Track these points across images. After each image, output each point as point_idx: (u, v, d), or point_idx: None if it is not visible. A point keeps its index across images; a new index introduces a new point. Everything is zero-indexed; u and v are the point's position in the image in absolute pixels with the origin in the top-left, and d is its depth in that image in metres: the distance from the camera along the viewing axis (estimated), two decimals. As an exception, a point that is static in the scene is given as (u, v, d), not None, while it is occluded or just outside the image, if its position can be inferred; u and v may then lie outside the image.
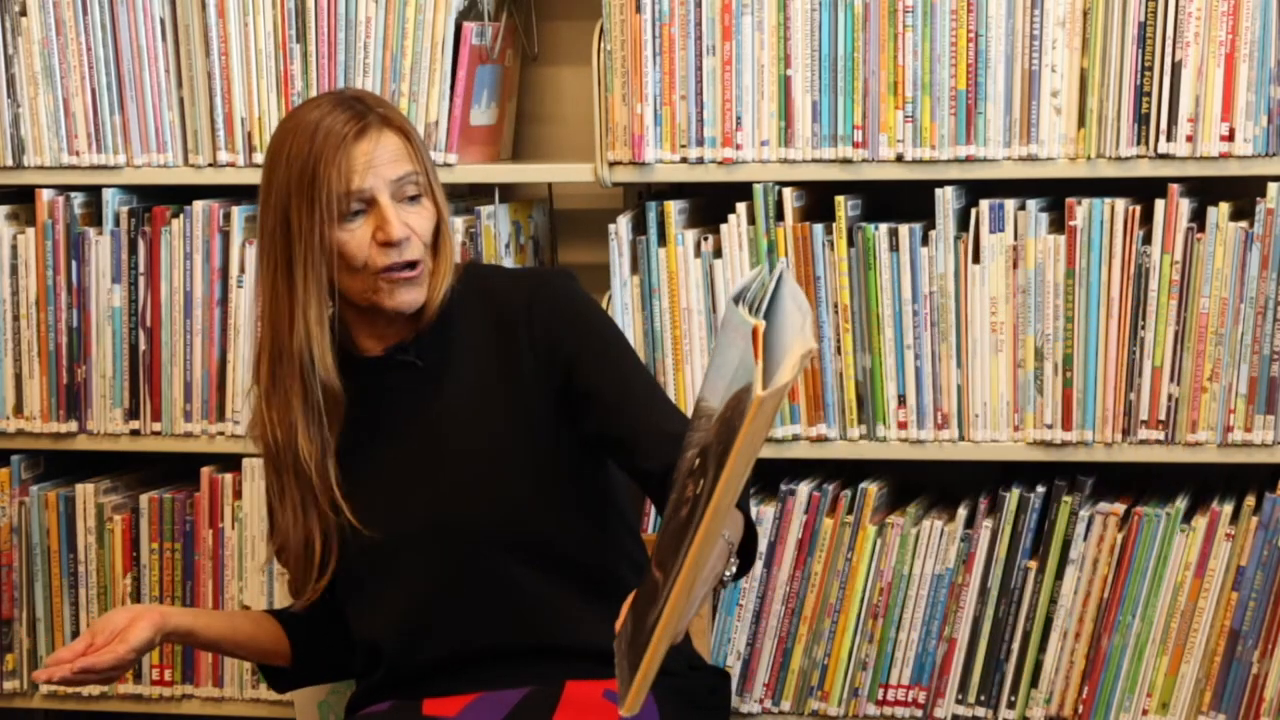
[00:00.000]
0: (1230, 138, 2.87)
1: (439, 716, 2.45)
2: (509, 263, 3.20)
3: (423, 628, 2.52)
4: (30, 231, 3.23)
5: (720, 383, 1.89)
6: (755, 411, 1.67)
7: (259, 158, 3.15)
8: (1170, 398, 2.92)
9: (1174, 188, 2.90)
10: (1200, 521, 2.94)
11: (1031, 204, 2.95)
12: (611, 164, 3.07)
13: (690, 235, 3.05)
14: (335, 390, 2.49)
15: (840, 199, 2.99)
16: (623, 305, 3.05)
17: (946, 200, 2.96)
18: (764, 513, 3.05)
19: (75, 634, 3.26)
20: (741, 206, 3.03)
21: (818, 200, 3.07)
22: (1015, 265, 2.95)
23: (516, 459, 2.51)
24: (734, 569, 2.24)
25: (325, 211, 2.43)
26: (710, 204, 3.15)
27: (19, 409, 3.26)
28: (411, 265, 2.47)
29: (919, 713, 3.05)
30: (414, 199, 2.48)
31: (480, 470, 2.51)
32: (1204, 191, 2.98)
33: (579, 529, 2.54)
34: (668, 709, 2.50)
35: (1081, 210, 2.92)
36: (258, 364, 2.54)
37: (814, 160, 3.01)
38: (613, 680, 2.46)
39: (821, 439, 3.01)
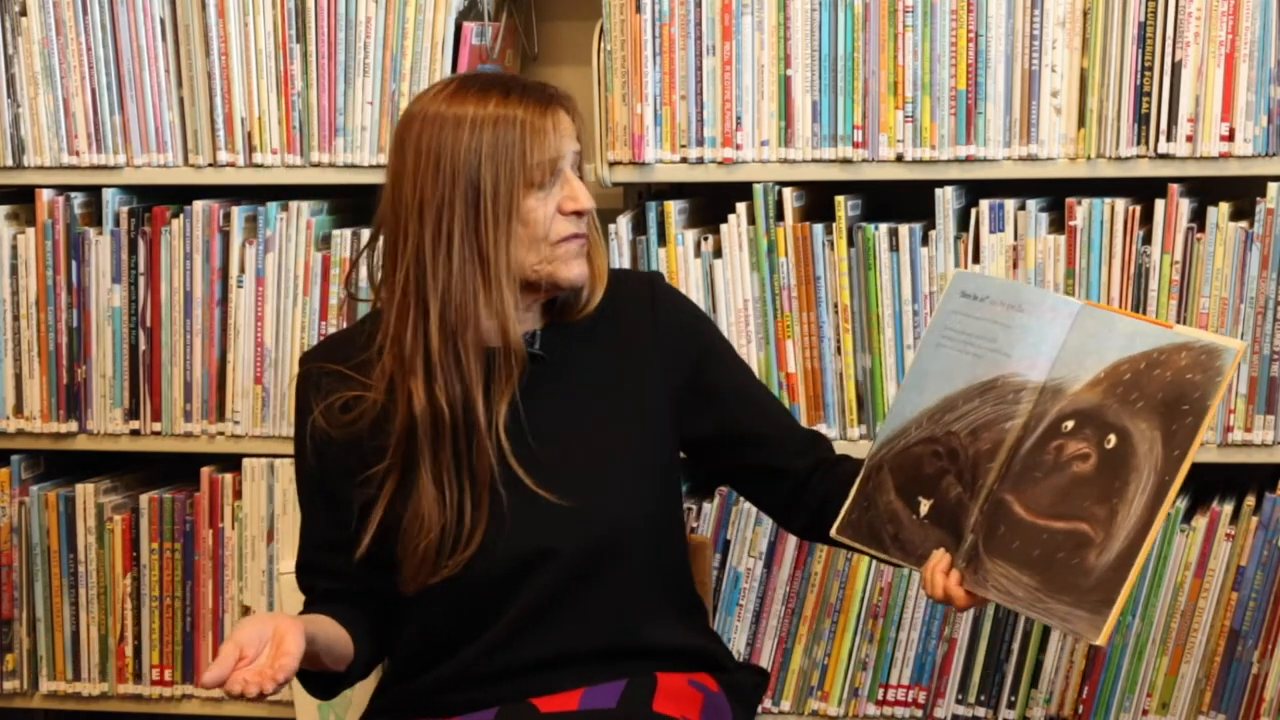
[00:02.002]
0: (1230, 138, 2.87)
1: (561, 713, 2.44)
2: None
3: (530, 626, 2.47)
4: (30, 231, 3.23)
5: (1040, 358, 2.27)
6: (1235, 365, 2.17)
7: (259, 157, 3.15)
8: (1170, 398, 2.92)
9: (1174, 188, 2.90)
10: (1200, 521, 2.94)
11: (1031, 204, 2.95)
12: (611, 164, 3.07)
13: (690, 235, 3.05)
14: (523, 356, 2.45)
15: (840, 199, 2.99)
16: (623, 305, 3.05)
17: (946, 200, 2.96)
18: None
19: (75, 634, 3.27)
20: (741, 206, 3.03)
21: (818, 200, 3.07)
22: (1015, 265, 2.95)
23: (635, 458, 2.50)
24: None
25: (524, 177, 2.41)
26: (710, 204, 3.15)
27: (19, 409, 3.26)
28: (577, 237, 2.46)
29: (919, 713, 3.05)
30: (581, 179, 2.48)
31: (606, 468, 2.49)
32: (1204, 191, 2.98)
33: (670, 529, 2.56)
34: (733, 704, 2.54)
35: (1081, 210, 2.92)
36: (412, 334, 2.43)
37: (814, 160, 3.01)
38: (695, 673, 2.50)
39: (821, 439, 3.01)
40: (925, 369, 2.38)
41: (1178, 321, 2.91)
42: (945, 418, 2.34)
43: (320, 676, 2.52)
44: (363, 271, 2.56)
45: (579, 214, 2.44)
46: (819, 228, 3.01)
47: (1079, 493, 2.22)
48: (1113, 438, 2.21)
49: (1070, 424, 2.24)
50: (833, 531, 2.41)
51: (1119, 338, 2.24)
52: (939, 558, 2.30)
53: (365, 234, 3.12)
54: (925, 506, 2.33)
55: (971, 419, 2.32)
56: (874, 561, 3.02)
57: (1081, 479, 2.22)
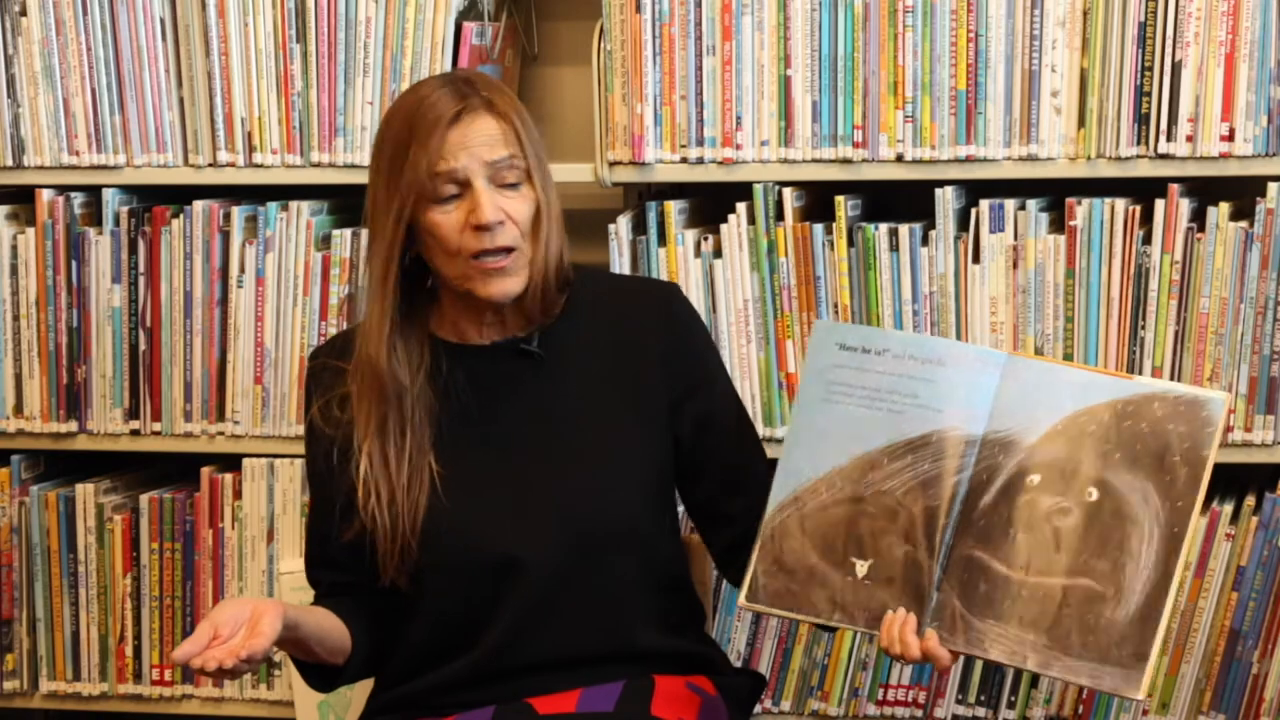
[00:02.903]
0: (1230, 138, 2.87)
1: (558, 714, 2.44)
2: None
3: (526, 626, 2.47)
4: (30, 231, 3.23)
5: (976, 410, 2.25)
6: (1226, 415, 2.21)
7: (259, 157, 3.15)
8: (1170, 398, 2.92)
9: (1174, 188, 2.90)
10: (1200, 521, 2.94)
11: (1031, 204, 2.95)
12: (611, 164, 3.07)
13: (690, 235, 3.05)
14: (395, 378, 2.47)
15: (840, 199, 2.99)
16: (623, 305, 3.05)
17: (946, 200, 2.96)
18: (764, 513, 3.04)
19: (75, 634, 3.27)
20: (741, 206, 3.03)
21: (818, 200, 3.07)
22: (1015, 265, 2.95)
23: (631, 460, 2.50)
24: None
25: (408, 192, 2.41)
26: (710, 204, 3.15)
27: (19, 409, 3.26)
28: (506, 251, 2.44)
29: (919, 713, 3.05)
30: (513, 185, 2.44)
31: (598, 472, 2.49)
32: (1204, 191, 2.98)
33: (663, 533, 2.56)
34: (730, 709, 2.54)
35: (1081, 210, 2.92)
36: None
37: (814, 160, 3.01)
38: (692, 676, 2.51)
39: (821, 439, 3.01)
40: (817, 426, 2.34)
41: (1177, 324, 2.91)
42: (869, 476, 2.32)
43: (317, 668, 2.53)
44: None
45: (483, 228, 2.41)
46: (819, 228, 3.01)
47: (1072, 548, 2.22)
48: (1093, 491, 2.22)
49: (1036, 478, 2.24)
50: (742, 599, 2.37)
51: (1069, 388, 2.25)
52: (900, 619, 2.27)
53: (365, 234, 3.12)
54: (863, 567, 2.30)
55: (907, 476, 2.30)
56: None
57: (1068, 533, 2.23)
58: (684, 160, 3.05)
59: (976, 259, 2.96)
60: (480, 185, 2.42)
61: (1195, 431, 2.19)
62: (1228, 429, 2.92)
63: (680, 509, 2.65)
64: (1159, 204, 2.90)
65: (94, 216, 3.25)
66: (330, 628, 2.49)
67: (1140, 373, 2.93)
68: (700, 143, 3.04)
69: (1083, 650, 2.20)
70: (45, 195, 3.22)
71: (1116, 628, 2.18)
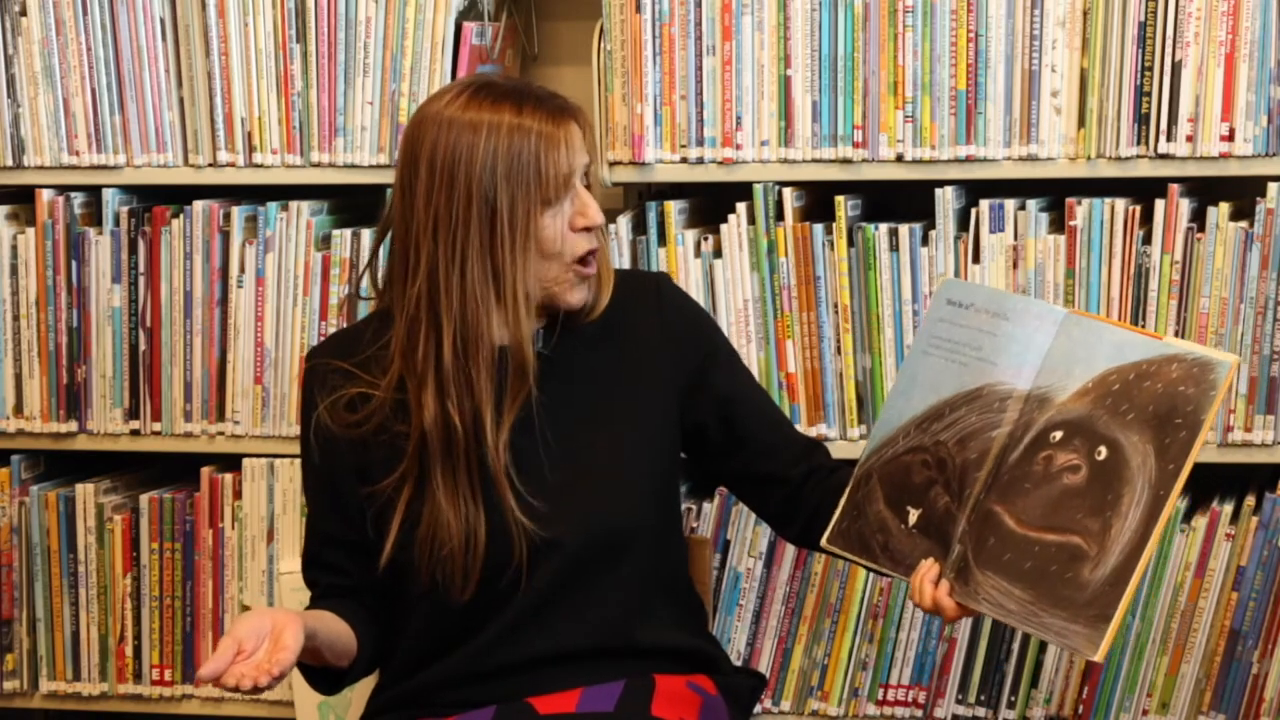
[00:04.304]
0: (1230, 138, 2.87)
1: (558, 714, 2.44)
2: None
3: (529, 623, 2.47)
4: (30, 231, 3.23)
5: (1025, 366, 2.28)
6: (1230, 380, 2.17)
7: (259, 157, 3.15)
8: (1170, 398, 2.92)
9: (1174, 188, 2.90)
10: (1200, 521, 2.94)
11: (1031, 204, 2.95)
12: (611, 164, 3.07)
13: (690, 235, 3.05)
14: (534, 372, 2.44)
15: (840, 199, 2.99)
16: (623, 305, 3.05)
17: (946, 200, 2.96)
18: (764, 513, 3.05)
19: (75, 634, 3.27)
20: (741, 206, 3.03)
21: (818, 200, 3.07)
22: (1015, 265, 2.95)
23: (637, 456, 2.50)
24: None
25: (538, 195, 2.39)
26: (710, 204, 3.15)
27: (19, 409, 3.26)
28: (592, 254, 2.46)
29: (919, 713, 3.05)
30: (588, 189, 2.47)
31: (608, 466, 2.49)
32: (1204, 191, 2.98)
33: (667, 530, 2.56)
34: (731, 709, 2.54)
35: (1081, 210, 2.92)
36: (424, 348, 2.42)
37: (814, 160, 3.01)
38: (692, 675, 2.51)
39: (821, 439, 3.01)
40: (913, 376, 2.38)
41: (1177, 325, 2.91)
42: (933, 426, 2.34)
43: (324, 671, 2.53)
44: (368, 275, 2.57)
45: (589, 229, 2.44)
46: (819, 228, 3.01)
47: (1071, 505, 2.22)
48: (1103, 449, 2.22)
49: (1059, 434, 2.25)
50: (823, 541, 2.42)
51: (1106, 347, 2.25)
52: (927, 568, 2.31)
53: (365, 234, 3.13)
54: (914, 516, 2.33)
55: (959, 428, 2.32)
56: (874, 561, 3.02)
57: (1073, 491, 2.23)
58: (684, 160, 3.05)
59: (976, 259, 2.96)
60: (580, 187, 2.44)
61: (1200, 394, 2.18)
62: (1228, 429, 2.92)
63: (685, 500, 2.66)
64: (1159, 204, 2.90)
65: (94, 216, 3.25)
66: (339, 632, 2.49)
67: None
68: (700, 143, 3.04)
69: (1056, 608, 2.20)
70: (45, 195, 3.22)
71: (1090, 587, 2.18)
